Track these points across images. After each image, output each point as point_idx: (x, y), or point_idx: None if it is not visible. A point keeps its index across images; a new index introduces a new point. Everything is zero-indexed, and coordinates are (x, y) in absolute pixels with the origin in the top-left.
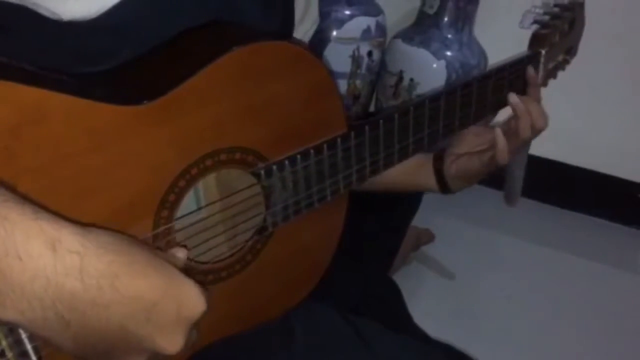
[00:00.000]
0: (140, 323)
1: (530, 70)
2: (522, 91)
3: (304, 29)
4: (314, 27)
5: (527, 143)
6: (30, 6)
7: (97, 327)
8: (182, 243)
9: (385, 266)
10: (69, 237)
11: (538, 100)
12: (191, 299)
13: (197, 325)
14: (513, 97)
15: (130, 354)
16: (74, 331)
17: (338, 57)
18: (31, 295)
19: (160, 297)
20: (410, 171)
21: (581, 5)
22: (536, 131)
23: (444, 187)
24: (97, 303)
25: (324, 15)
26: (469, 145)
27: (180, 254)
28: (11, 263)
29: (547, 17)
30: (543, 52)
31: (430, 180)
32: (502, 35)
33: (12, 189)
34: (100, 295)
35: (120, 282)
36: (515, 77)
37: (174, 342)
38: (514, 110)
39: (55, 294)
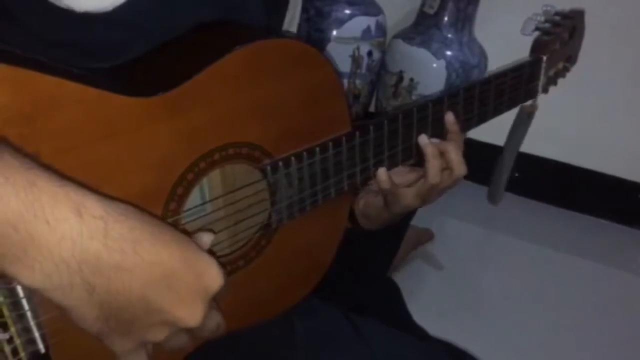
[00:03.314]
0: (161, 291)
1: (450, 116)
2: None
3: None
4: None
5: (443, 190)
6: None
7: (120, 292)
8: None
9: (384, 265)
10: (93, 204)
11: (459, 146)
12: (209, 271)
13: (218, 306)
14: (422, 139)
15: (152, 327)
16: (98, 297)
17: (338, 57)
18: (58, 258)
19: (179, 265)
20: None
21: (581, 14)
22: (455, 178)
23: (354, 222)
24: (120, 267)
25: (324, 14)
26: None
27: (206, 237)
28: (39, 227)
29: (548, 25)
30: (544, 58)
31: None
32: (502, 35)
33: (37, 161)
34: (124, 259)
35: (141, 248)
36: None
37: (193, 314)
38: (423, 152)
39: (81, 257)
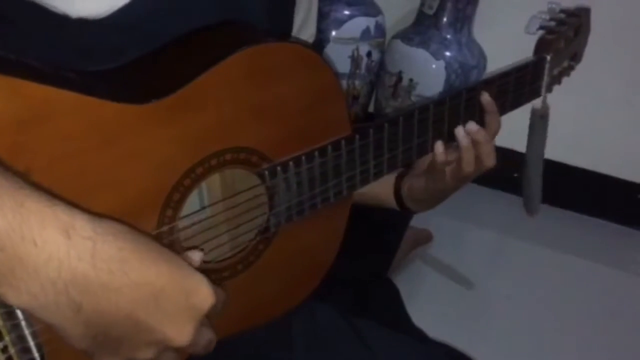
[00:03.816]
0: (149, 310)
1: (486, 96)
2: (478, 118)
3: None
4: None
5: (471, 177)
6: (39, 3)
7: (108, 311)
8: (186, 242)
9: (383, 266)
10: (82, 224)
11: (496, 129)
12: (199, 290)
13: (209, 323)
14: (459, 131)
15: (139, 345)
16: (85, 316)
17: (337, 58)
18: (45, 278)
19: (167, 284)
20: (376, 186)
21: (587, 12)
22: (483, 168)
23: (403, 207)
24: (108, 287)
25: (323, 15)
26: (424, 166)
27: (195, 256)
28: (27, 248)
29: (553, 23)
30: (548, 57)
31: (391, 199)
32: (501, 36)
33: (26, 179)
34: (112, 280)
35: (130, 268)
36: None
37: (182, 333)
38: (458, 143)
39: (68, 278)
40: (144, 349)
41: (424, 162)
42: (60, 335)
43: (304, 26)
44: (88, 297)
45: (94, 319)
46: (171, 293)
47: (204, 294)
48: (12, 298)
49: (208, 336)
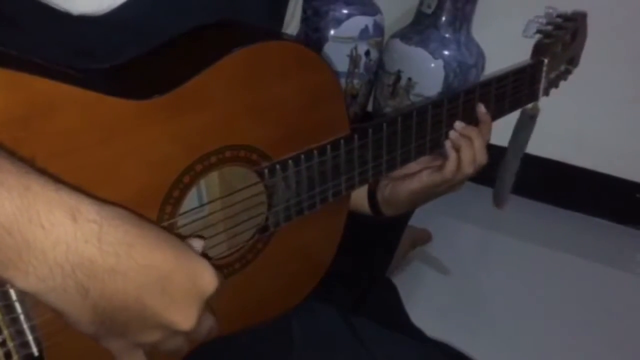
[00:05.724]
0: (155, 294)
1: (481, 107)
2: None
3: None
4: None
5: (466, 178)
6: (41, 0)
7: (115, 295)
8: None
9: (382, 266)
10: (88, 208)
11: (488, 138)
12: (204, 274)
13: (211, 308)
14: (453, 133)
15: (146, 329)
16: (92, 301)
17: (336, 57)
18: (52, 261)
19: (174, 268)
20: None
21: (584, 17)
22: (477, 166)
23: (375, 210)
24: (115, 270)
25: (321, 14)
26: (406, 169)
27: (196, 243)
28: (34, 231)
29: (549, 27)
30: (546, 61)
31: (363, 202)
32: (499, 35)
33: (33, 165)
34: (118, 263)
35: (136, 251)
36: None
37: (187, 317)
38: (454, 145)
39: (75, 261)
40: (149, 333)
41: (405, 167)
42: (68, 320)
43: (292, 19)
44: (95, 282)
45: (101, 304)
46: (177, 277)
47: (208, 278)
48: (20, 282)
49: (210, 322)
